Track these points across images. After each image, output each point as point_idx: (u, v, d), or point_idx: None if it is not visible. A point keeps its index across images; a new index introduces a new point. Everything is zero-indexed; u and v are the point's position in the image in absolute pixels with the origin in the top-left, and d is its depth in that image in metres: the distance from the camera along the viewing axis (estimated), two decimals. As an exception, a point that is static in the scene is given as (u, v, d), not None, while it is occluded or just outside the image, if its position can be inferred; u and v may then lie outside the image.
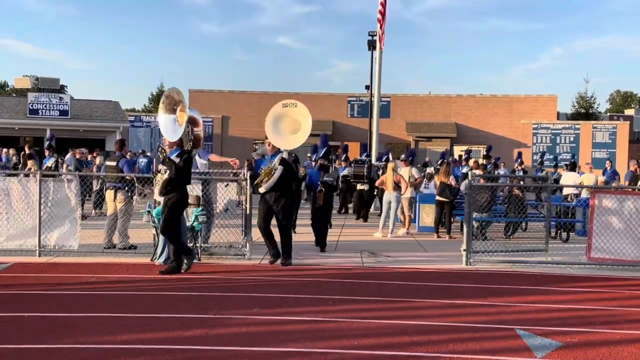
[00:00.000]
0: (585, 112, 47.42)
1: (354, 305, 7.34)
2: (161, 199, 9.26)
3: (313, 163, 17.02)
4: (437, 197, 13.85)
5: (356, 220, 16.59)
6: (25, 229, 10.12)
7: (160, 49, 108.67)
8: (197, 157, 12.42)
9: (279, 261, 9.77)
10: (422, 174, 16.40)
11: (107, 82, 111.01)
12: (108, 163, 11.59)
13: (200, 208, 10.20)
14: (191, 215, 10.04)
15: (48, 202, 10.14)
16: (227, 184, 11.61)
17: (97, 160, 19.50)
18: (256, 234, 10.47)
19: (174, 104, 9.16)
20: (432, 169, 18.26)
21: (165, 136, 9.18)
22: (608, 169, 20.68)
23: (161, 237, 9.56)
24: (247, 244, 10.17)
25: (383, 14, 21.87)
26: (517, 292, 8.25)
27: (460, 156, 27.65)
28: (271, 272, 9.24)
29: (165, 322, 6.40)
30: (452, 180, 13.84)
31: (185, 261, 9.06)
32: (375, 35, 23.70)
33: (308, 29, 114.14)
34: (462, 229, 13.07)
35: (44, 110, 31.30)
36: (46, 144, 17.97)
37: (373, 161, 19.11)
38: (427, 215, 14.73)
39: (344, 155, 19.68)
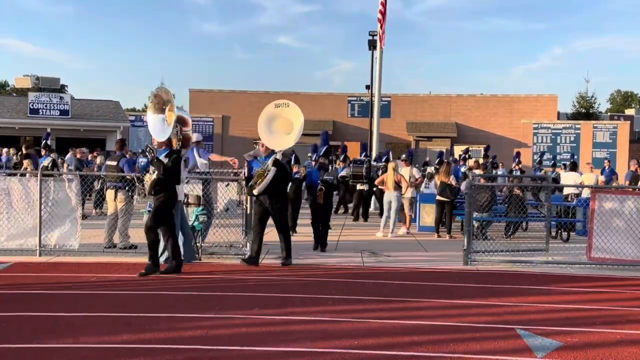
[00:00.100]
0: (585, 112, 47.40)
1: (355, 305, 7.34)
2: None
3: (313, 162, 17.01)
4: (438, 197, 13.84)
5: (355, 221, 16.56)
6: (26, 228, 10.12)
7: (161, 49, 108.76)
8: (197, 157, 12.43)
9: (250, 265, 9.51)
10: (423, 174, 16.39)
11: (107, 81, 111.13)
12: (108, 163, 11.59)
13: (200, 208, 10.21)
14: (192, 214, 10.05)
15: (48, 202, 10.14)
16: (228, 184, 11.62)
17: (98, 160, 19.49)
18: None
19: (163, 104, 9.08)
20: (433, 168, 18.24)
21: (154, 136, 9.13)
22: (606, 168, 20.84)
23: (161, 237, 9.57)
24: (248, 244, 10.16)
25: (383, 13, 21.88)
26: (517, 292, 8.25)
27: (460, 155, 27.65)
28: (271, 272, 9.23)
29: (165, 322, 6.40)
30: (452, 180, 13.84)
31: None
32: (376, 35, 23.69)
33: (308, 28, 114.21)
34: (462, 229, 13.09)
35: (44, 110, 31.30)
36: (42, 143, 18.00)
37: (372, 161, 19.10)
38: (428, 215, 14.73)
39: (343, 156, 19.67)
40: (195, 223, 10.03)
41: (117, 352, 5.41)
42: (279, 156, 9.72)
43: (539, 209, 15.69)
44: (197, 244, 10.06)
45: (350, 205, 18.40)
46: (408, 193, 14.11)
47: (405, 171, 14.78)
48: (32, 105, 31.15)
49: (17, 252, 10.00)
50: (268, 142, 9.92)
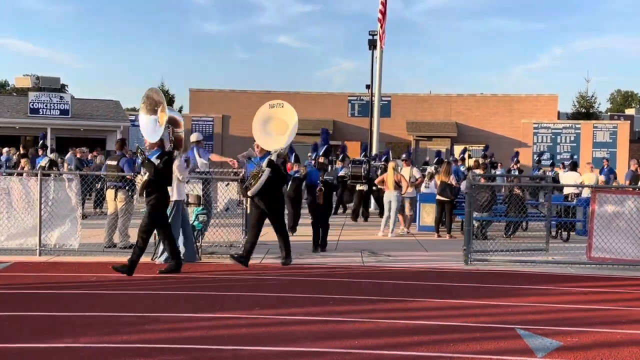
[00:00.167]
0: (585, 111, 47.35)
1: (355, 304, 7.34)
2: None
3: (313, 162, 17.01)
4: (438, 197, 13.84)
5: (355, 221, 16.54)
6: (26, 228, 10.13)
7: (161, 48, 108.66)
8: (197, 157, 12.43)
9: (238, 263, 9.40)
10: (423, 174, 16.39)
11: (107, 81, 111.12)
12: (109, 162, 11.60)
13: (201, 207, 10.21)
14: (192, 214, 10.05)
15: (48, 201, 10.14)
16: (228, 184, 11.63)
17: (98, 160, 19.49)
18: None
19: (155, 105, 9.03)
20: (433, 168, 18.25)
21: (146, 137, 9.11)
22: (605, 167, 20.95)
23: (158, 238, 9.58)
24: (248, 244, 10.15)
25: (383, 13, 21.88)
26: (517, 292, 8.25)
27: (459, 155, 27.66)
28: (272, 272, 9.23)
29: (165, 322, 6.40)
30: (452, 180, 13.85)
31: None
32: (376, 35, 23.69)
33: (309, 28, 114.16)
34: (462, 229, 13.09)
35: (44, 110, 31.29)
36: (39, 143, 18.04)
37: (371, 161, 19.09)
38: (428, 214, 14.73)
39: (341, 155, 19.67)
40: (196, 223, 10.04)
41: (117, 352, 5.41)
42: (274, 157, 9.60)
43: (539, 208, 15.69)
44: (197, 244, 10.05)
45: (350, 205, 18.40)
46: (408, 193, 14.10)
47: (406, 171, 14.77)
48: (32, 105, 31.14)
49: (17, 251, 10.00)
50: (262, 143, 9.83)
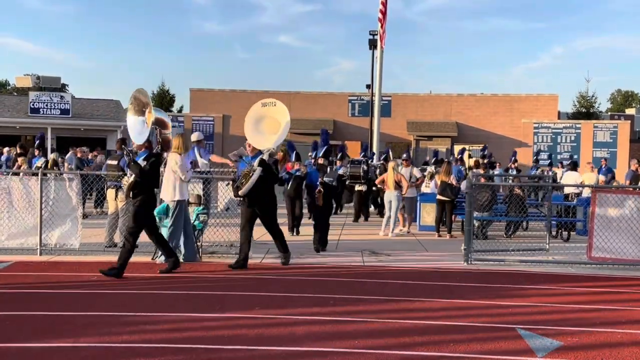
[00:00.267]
0: (586, 111, 47.33)
1: (355, 304, 7.33)
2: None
3: (313, 161, 16.99)
4: (438, 196, 13.84)
5: (355, 221, 16.53)
6: (27, 227, 10.13)
7: (161, 48, 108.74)
8: (198, 156, 12.44)
9: (237, 268, 9.33)
10: (423, 174, 16.39)
11: (108, 81, 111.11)
12: (109, 162, 11.60)
13: (201, 207, 10.21)
14: (192, 214, 10.05)
15: (49, 201, 10.14)
16: (228, 183, 11.61)
17: (98, 159, 19.49)
18: (257, 233, 10.47)
19: (143, 106, 9.03)
20: (433, 168, 18.25)
21: (132, 138, 9.09)
22: (603, 167, 20.99)
23: (163, 236, 9.60)
24: (248, 243, 10.15)
25: (384, 13, 21.89)
26: (518, 292, 8.25)
27: (458, 155, 27.68)
28: (272, 271, 9.23)
29: (165, 322, 6.40)
30: (452, 180, 13.84)
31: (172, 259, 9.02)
32: (376, 35, 23.71)
33: (309, 28, 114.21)
34: (462, 228, 13.09)
35: (45, 109, 31.31)
36: (36, 144, 18.06)
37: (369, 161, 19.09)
38: (428, 214, 14.73)
39: (340, 155, 19.67)
40: (196, 222, 10.03)
41: (117, 352, 5.41)
42: (265, 156, 9.53)
43: (539, 208, 15.69)
44: (198, 243, 10.05)
45: (349, 205, 18.40)
46: (408, 193, 14.10)
47: (406, 171, 14.77)
48: (33, 105, 31.16)
49: (18, 251, 10.00)
50: (254, 142, 9.74)
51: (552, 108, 38.38)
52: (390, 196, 13.69)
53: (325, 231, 11.56)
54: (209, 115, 37.61)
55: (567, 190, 16.90)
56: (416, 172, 15.68)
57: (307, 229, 12.58)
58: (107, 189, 11.45)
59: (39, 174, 10.20)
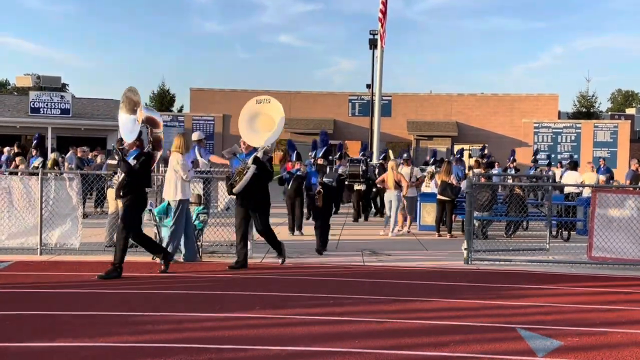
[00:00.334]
0: (586, 111, 47.36)
1: (355, 304, 7.33)
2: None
3: (312, 160, 17.00)
4: (438, 196, 13.84)
5: (355, 221, 16.53)
6: (27, 227, 10.14)
7: (162, 48, 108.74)
8: (198, 156, 12.44)
9: (237, 268, 9.34)
10: (423, 174, 16.40)
11: (108, 81, 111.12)
12: (109, 161, 11.61)
13: (202, 207, 10.21)
14: (192, 213, 10.05)
15: (49, 201, 10.15)
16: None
17: (99, 159, 19.49)
18: (257, 233, 10.46)
19: (134, 105, 9.04)
20: (433, 167, 18.25)
21: (123, 137, 9.09)
22: (602, 166, 21.03)
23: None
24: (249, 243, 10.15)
25: (384, 12, 21.90)
26: (518, 291, 8.25)
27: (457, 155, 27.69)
28: (272, 271, 9.24)
29: (165, 322, 6.40)
30: (453, 179, 13.84)
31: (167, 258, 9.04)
32: (377, 34, 23.72)
33: (309, 27, 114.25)
34: (463, 228, 13.09)
35: (45, 109, 31.32)
36: (33, 144, 18.08)
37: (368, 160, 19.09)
38: (428, 214, 14.73)
39: (339, 154, 19.68)
40: (197, 222, 10.04)
41: (117, 352, 5.41)
42: (260, 154, 9.47)
43: (539, 208, 15.69)
44: (198, 243, 10.05)
45: (348, 205, 18.39)
46: (408, 193, 14.10)
47: (406, 171, 14.77)
48: (33, 104, 31.16)
49: (18, 250, 10.01)
50: (248, 139, 9.67)
51: (552, 108, 38.38)
52: (390, 196, 13.69)
53: (325, 232, 11.56)
54: (209, 115, 37.61)
55: (567, 190, 16.89)
56: (416, 172, 15.68)
57: (308, 229, 12.58)
58: (107, 189, 11.45)
59: (39, 174, 10.21)
